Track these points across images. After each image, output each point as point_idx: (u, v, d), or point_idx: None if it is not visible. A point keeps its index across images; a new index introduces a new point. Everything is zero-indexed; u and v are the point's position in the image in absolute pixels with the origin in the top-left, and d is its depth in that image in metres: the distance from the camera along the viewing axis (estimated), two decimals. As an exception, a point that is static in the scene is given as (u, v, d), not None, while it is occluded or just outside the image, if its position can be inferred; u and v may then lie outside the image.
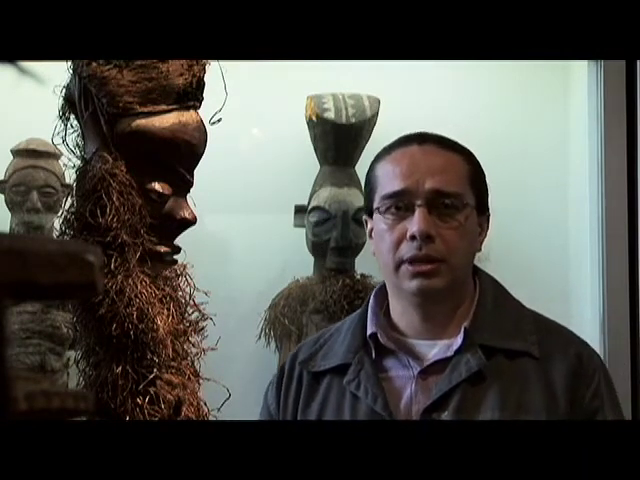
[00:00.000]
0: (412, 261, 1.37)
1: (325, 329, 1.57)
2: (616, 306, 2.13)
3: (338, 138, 2.27)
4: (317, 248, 2.31)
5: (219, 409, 1.50)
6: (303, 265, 2.35)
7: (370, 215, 1.46)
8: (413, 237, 1.36)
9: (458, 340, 1.38)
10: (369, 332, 1.43)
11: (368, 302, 1.48)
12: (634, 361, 2.07)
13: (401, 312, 1.44)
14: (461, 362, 1.36)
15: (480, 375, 1.35)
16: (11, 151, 2.34)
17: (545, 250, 2.44)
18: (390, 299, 1.47)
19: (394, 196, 1.40)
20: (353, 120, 2.27)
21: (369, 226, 1.47)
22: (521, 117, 2.50)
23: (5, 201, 2.34)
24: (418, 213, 1.37)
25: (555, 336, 1.43)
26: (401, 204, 1.39)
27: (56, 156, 2.26)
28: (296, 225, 2.36)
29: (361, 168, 2.32)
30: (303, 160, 2.38)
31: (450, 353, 1.38)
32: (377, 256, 1.45)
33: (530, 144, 2.46)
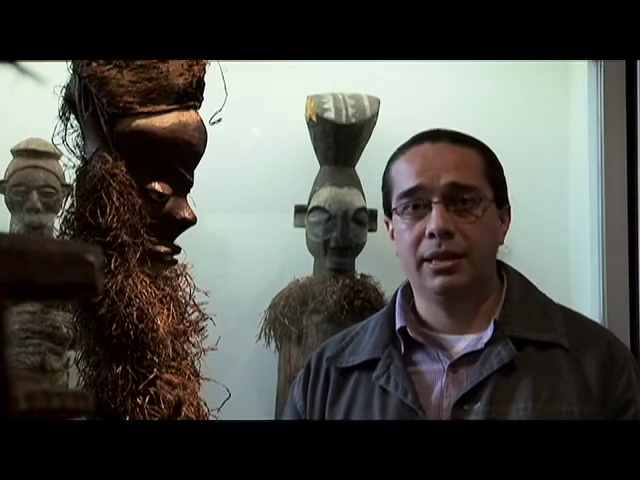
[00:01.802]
0: (433, 258, 1.37)
1: (350, 327, 1.58)
2: (616, 306, 2.13)
3: (338, 138, 2.27)
4: (317, 248, 2.31)
5: (219, 409, 1.50)
6: (303, 265, 2.35)
7: (390, 216, 1.46)
8: (432, 235, 1.37)
9: (488, 332, 1.38)
10: (398, 326, 1.43)
11: (394, 299, 1.49)
12: (634, 361, 2.07)
13: (427, 309, 1.45)
14: (492, 354, 1.36)
15: (511, 366, 1.36)
16: (11, 151, 2.34)
17: (545, 250, 2.44)
18: (415, 297, 1.48)
19: (409, 194, 1.40)
20: (353, 120, 2.27)
21: (390, 227, 1.48)
22: (521, 117, 2.50)
23: (5, 201, 2.34)
24: (435, 210, 1.37)
25: (584, 328, 1.44)
26: (418, 202, 1.40)
27: (56, 156, 2.26)
28: (296, 225, 2.36)
29: (361, 168, 2.32)
30: (303, 160, 2.38)
31: (480, 346, 1.38)
32: (399, 256, 1.46)
33: (530, 144, 2.46)
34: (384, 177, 1.48)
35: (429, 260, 1.38)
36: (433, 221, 1.37)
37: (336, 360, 1.47)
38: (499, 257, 1.49)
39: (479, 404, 1.34)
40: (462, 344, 1.41)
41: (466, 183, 1.39)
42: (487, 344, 1.38)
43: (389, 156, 1.50)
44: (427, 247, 1.38)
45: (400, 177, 1.43)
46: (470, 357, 1.39)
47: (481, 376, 1.35)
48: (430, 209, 1.38)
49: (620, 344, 1.45)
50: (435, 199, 1.38)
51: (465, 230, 1.38)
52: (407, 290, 1.49)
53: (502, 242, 1.47)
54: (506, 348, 1.36)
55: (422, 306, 1.46)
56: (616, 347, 1.41)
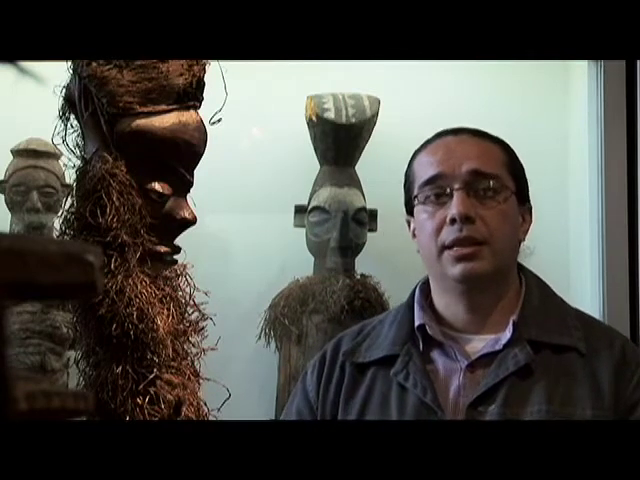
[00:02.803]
0: (454, 245, 1.37)
1: (367, 321, 1.57)
2: (616, 306, 2.13)
3: (338, 138, 2.27)
4: (317, 248, 2.31)
5: (219, 409, 1.50)
6: (303, 265, 2.35)
7: (411, 214, 1.46)
8: (453, 220, 1.37)
9: (507, 334, 1.38)
10: (417, 323, 1.43)
11: (413, 295, 1.48)
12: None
13: (446, 305, 1.44)
14: (509, 356, 1.36)
15: (527, 369, 1.36)
16: (11, 151, 2.35)
17: (545, 250, 2.43)
18: (433, 293, 1.47)
19: (431, 181, 1.40)
20: (353, 120, 2.27)
21: (411, 226, 1.47)
22: (521, 117, 2.50)
23: (5, 201, 2.34)
24: (457, 196, 1.38)
25: (599, 332, 1.44)
26: (439, 190, 1.40)
27: (56, 156, 2.26)
28: (296, 225, 2.36)
29: (361, 168, 2.32)
30: (303, 160, 2.38)
31: (498, 347, 1.38)
32: (420, 249, 1.45)
33: (530, 144, 2.46)
34: (406, 173, 1.48)
35: (450, 247, 1.38)
36: (454, 206, 1.37)
37: (353, 355, 1.46)
38: (520, 259, 1.49)
39: (493, 406, 1.34)
40: (480, 344, 1.40)
41: (488, 171, 1.40)
42: (505, 346, 1.38)
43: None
44: (448, 233, 1.38)
45: (421, 168, 1.43)
46: (487, 358, 1.38)
47: (497, 378, 1.35)
48: (452, 197, 1.38)
49: (634, 348, 1.45)
50: (457, 186, 1.38)
51: (486, 217, 1.38)
52: (425, 287, 1.49)
53: (523, 239, 1.47)
54: (523, 351, 1.36)
55: (441, 302, 1.45)
56: (629, 351, 1.41)
